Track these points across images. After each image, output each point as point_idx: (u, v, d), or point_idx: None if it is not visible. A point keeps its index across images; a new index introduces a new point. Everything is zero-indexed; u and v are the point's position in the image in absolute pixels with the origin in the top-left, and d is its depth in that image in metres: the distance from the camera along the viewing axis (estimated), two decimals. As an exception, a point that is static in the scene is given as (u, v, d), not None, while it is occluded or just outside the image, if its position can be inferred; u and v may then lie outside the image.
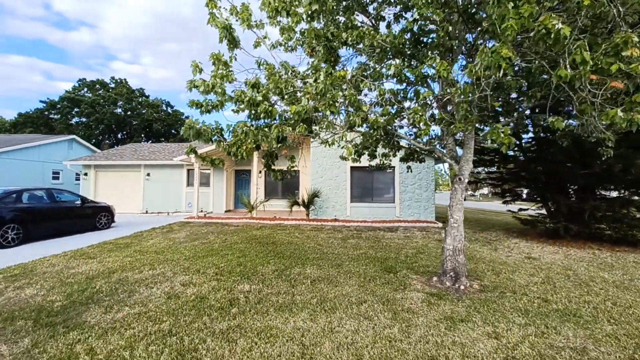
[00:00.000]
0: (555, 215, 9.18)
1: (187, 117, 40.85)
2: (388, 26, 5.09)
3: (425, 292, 4.45)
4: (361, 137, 5.10)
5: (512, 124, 6.35)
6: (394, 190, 13.18)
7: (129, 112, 39.10)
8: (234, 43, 3.47)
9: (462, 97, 3.25)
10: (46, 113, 36.71)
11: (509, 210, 11.28)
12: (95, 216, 10.12)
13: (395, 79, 3.95)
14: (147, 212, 15.71)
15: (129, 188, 16.15)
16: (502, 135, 3.04)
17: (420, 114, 3.48)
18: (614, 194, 9.02)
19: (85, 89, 38.88)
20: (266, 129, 3.30)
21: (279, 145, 3.41)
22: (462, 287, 4.55)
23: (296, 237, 8.88)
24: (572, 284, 4.98)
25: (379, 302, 4.09)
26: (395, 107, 4.21)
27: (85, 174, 16.26)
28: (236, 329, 3.32)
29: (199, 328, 3.35)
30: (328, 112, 3.07)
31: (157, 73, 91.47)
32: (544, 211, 9.87)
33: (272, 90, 3.19)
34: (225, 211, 15.64)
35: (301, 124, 3.36)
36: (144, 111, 39.72)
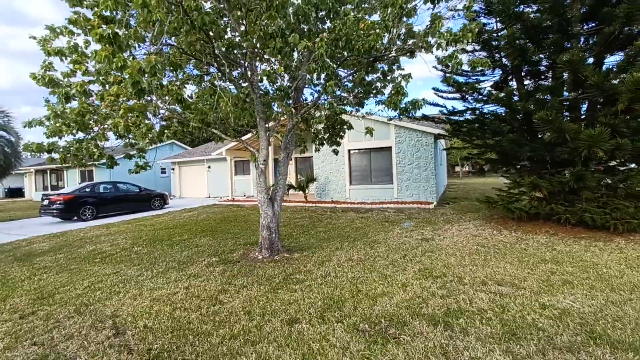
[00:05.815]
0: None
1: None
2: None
3: (227, 259, 5.53)
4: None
5: None
6: (392, 171, 12.92)
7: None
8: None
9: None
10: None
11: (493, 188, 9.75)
12: (149, 200, 14.17)
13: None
14: (209, 197, 19.94)
15: (198, 178, 20.75)
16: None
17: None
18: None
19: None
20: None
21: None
22: (260, 257, 5.41)
23: (262, 216, 10.47)
24: (389, 264, 4.96)
25: (176, 261, 5.49)
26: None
27: (173, 169, 21.73)
28: (77, 268, 5.40)
29: (63, 265, 5.59)
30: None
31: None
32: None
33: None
34: (263, 195, 18.31)
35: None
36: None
